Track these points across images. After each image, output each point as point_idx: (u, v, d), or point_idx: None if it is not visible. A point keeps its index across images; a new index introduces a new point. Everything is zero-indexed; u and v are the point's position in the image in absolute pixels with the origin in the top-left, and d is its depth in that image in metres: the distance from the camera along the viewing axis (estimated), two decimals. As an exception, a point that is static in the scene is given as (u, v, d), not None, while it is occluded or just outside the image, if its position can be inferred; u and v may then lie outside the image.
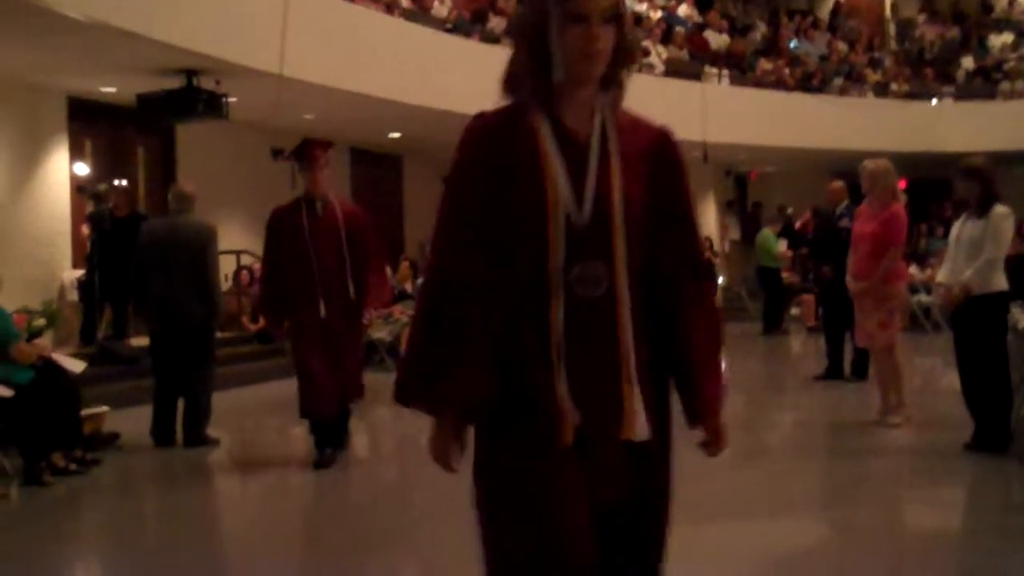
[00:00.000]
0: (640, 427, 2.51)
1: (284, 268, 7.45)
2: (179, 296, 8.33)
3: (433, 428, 2.56)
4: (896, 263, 8.64)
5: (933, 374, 10.00)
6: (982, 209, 7.33)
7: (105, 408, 8.52)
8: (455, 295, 2.49)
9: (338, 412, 7.62)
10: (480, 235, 2.49)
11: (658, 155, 2.65)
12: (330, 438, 7.56)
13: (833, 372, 11.17)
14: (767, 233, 17.34)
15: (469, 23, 16.32)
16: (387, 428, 9.93)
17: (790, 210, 17.86)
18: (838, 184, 11.46)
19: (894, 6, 25.80)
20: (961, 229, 7.50)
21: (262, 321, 11.43)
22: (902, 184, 9.62)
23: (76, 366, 7.84)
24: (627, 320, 2.49)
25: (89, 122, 13.19)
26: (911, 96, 21.53)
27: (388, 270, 13.82)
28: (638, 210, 2.53)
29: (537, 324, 2.45)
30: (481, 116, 2.64)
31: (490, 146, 2.54)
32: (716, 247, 20.87)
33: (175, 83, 11.79)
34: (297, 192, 7.67)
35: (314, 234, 7.39)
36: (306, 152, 7.54)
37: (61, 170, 12.69)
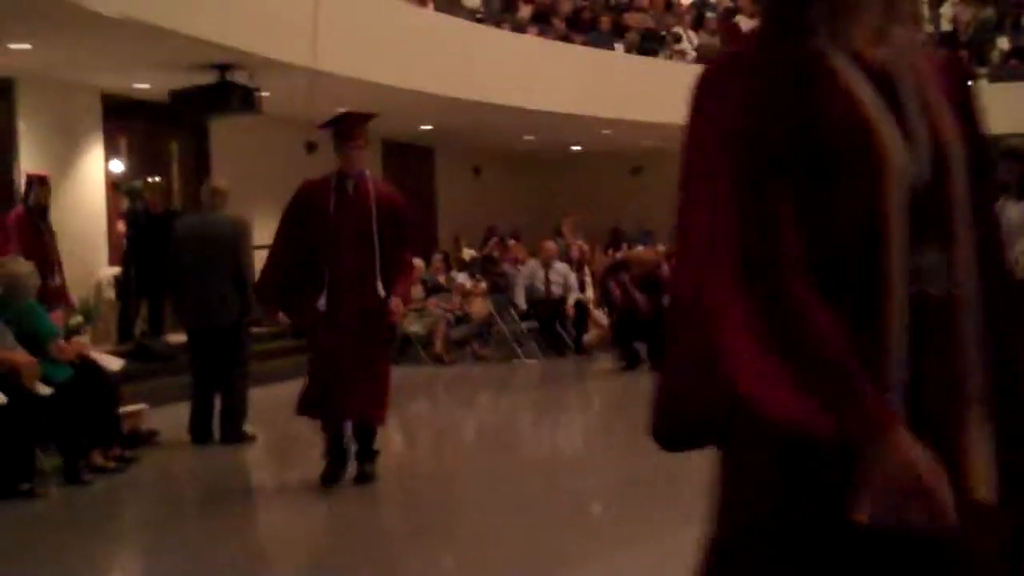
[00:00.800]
0: (991, 482, 1.75)
1: (300, 250, 6.61)
2: (215, 292, 8.33)
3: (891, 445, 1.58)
4: None
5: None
6: (1021, 190, 7.23)
7: (143, 406, 8.55)
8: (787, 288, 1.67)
9: (345, 419, 6.69)
10: (779, 207, 1.71)
11: (959, 90, 1.94)
12: (342, 451, 6.70)
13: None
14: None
15: (499, 12, 16.29)
16: (423, 423, 9.93)
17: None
18: None
19: (928, -12, 25.54)
20: (1001, 212, 7.40)
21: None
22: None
23: (114, 364, 7.87)
24: (972, 330, 1.78)
25: (123, 119, 13.24)
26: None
27: (419, 263, 13.86)
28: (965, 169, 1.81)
29: (862, 337, 1.68)
30: (732, 58, 1.92)
31: (774, 94, 1.75)
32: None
33: (208, 78, 11.81)
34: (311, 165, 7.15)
35: (340, 214, 6.52)
36: (345, 125, 6.83)
37: (96, 167, 12.74)
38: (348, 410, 6.58)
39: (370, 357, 6.59)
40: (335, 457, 6.63)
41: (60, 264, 9.51)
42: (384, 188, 6.99)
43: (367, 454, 6.71)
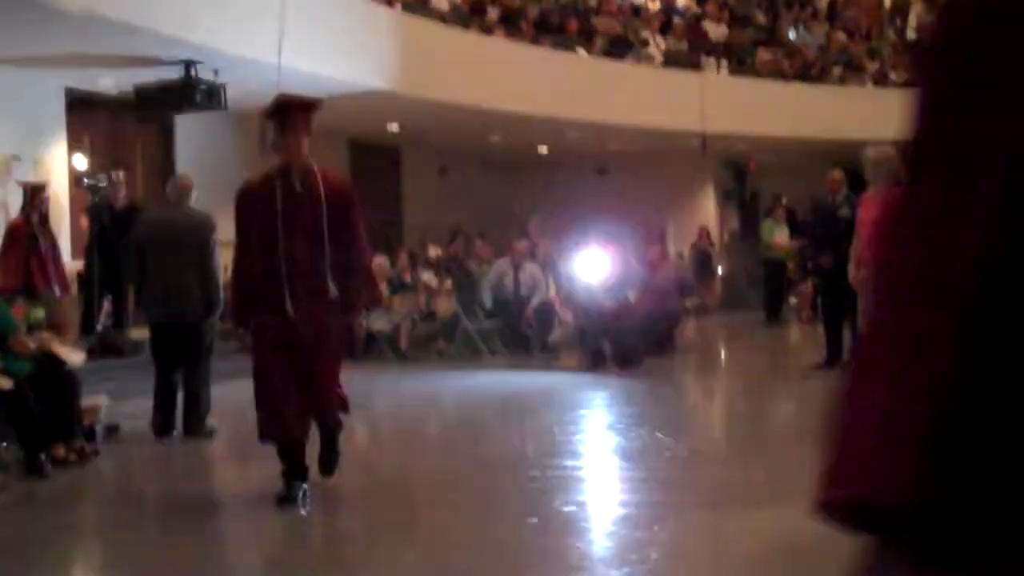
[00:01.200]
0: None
1: (251, 256, 6.14)
2: (179, 288, 8.31)
3: None
4: None
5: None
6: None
7: (104, 399, 8.51)
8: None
9: (306, 434, 6.22)
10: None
11: None
12: (301, 468, 6.17)
13: (832, 362, 11.16)
14: (769, 224, 17.35)
15: (467, 14, 16.31)
16: (387, 421, 9.94)
17: (784, 200, 17.86)
18: (837, 174, 11.42)
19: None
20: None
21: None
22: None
23: (76, 358, 7.84)
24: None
25: (87, 115, 13.18)
26: (910, 85, 21.44)
27: (384, 261, 13.85)
28: None
29: None
30: None
31: None
32: (715, 238, 20.87)
33: (173, 74, 11.77)
34: (268, 164, 6.31)
35: (287, 214, 5.96)
36: (284, 110, 6.10)
37: (60, 162, 12.67)
38: (310, 420, 6.21)
39: (326, 349, 6.15)
40: (294, 477, 6.09)
41: (62, 275, 9.26)
42: (334, 180, 6.29)
43: (329, 460, 6.41)
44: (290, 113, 6.05)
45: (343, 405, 6.36)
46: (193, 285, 8.32)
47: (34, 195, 9.01)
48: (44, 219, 9.19)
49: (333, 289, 6.04)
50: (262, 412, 6.05)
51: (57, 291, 8.92)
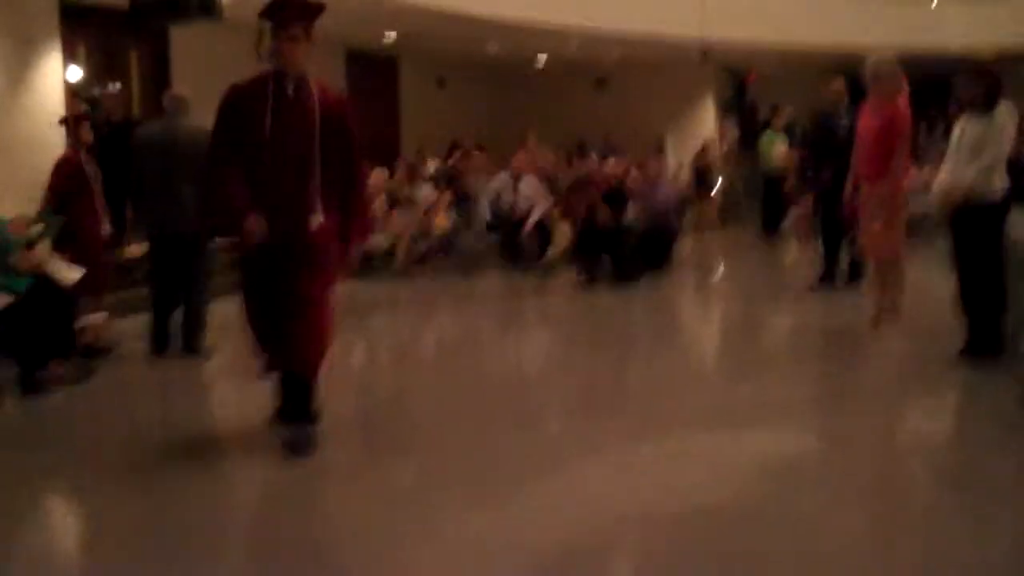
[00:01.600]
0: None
1: (232, 162, 5.58)
2: (176, 200, 8.27)
3: None
4: (903, 159, 8.55)
5: (927, 281, 10.00)
6: (986, 107, 7.25)
7: (104, 314, 8.53)
8: None
9: (308, 366, 5.70)
10: None
11: None
12: (307, 404, 5.77)
13: (828, 279, 11.15)
14: (769, 135, 17.21)
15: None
16: (382, 338, 9.97)
17: (790, 109, 17.69)
18: (837, 84, 11.24)
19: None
20: (964, 128, 7.42)
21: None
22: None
23: (73, 274, 7.81)
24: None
25: (82, 26, 13.01)
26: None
27: (381, 174, 13.77)
28: None
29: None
30: None
31: None
32: (715, 149, 20.76)
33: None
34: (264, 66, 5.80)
35: (278, 123, 5.56)
36: (281, 12, 5.63)
37: (54, 75, 12.54)
38: (286, 357, 5.68)
39: (306, 297, 5.56)
40: (299, 416, 5.76)
41: (104, 211, 9.02)
42: (331, 93, 5.77)
43: (302, 413, 5.74)
44: (288, 15, 5.57)
45: (308, 364, 5.64)
46: (190, 199, 8.26)
47: (77, 125, 8.78)
48: (90, 150, 8.91)
49: (319, 217, 5.59)
50: (256, 344, 5.77)
51: (107, 228, 8.73)
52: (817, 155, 11.26)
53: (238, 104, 5.63)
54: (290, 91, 5.62)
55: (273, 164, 5.55)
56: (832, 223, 10.67)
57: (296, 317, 5.55)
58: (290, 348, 5.61)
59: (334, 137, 5.66)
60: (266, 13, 5.63)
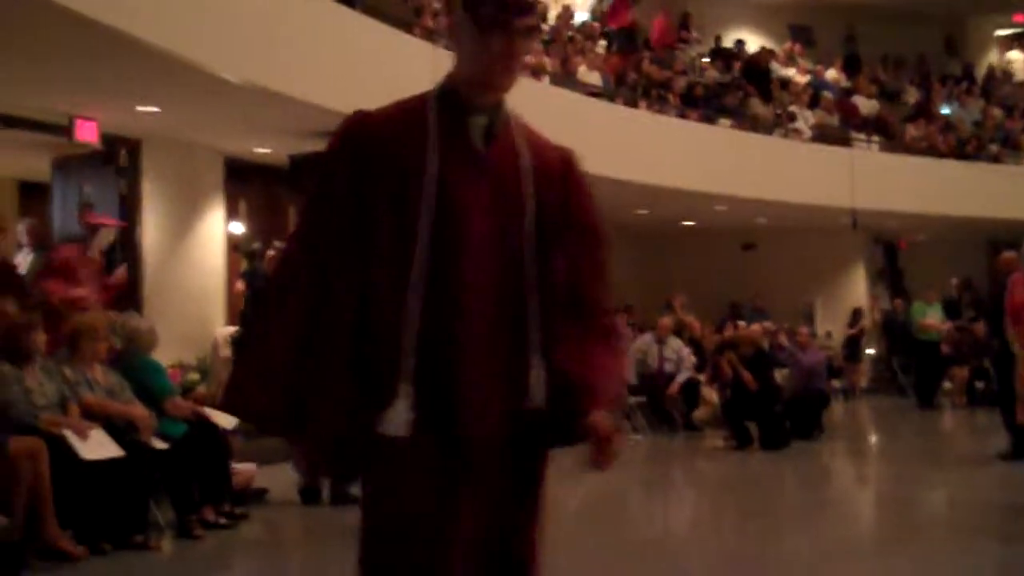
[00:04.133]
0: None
1: (340, 293, 2.70)
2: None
3: None
4: None
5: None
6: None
7: (253, 466, 8.60)
8: None
9: None
10: None
11: None
12: None
13: (1019, 449, 10.64)
14: (920, 305, 16.91)
15: (614, 87, 16.35)
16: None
17: (955, 280, 17.37)
18: (1009, 255, 11.22)
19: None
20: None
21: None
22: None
23: (228, 421, 7.92)
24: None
25: (244, 181, 13.51)
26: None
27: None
28: None
29: None
30: None
31: None
32: (866, 317, 20.37)
33: (326, 144, 11.99)
34: None
35: (455, 196, 2.54)
36: None
37: (217, 228, 12.99)
38: None
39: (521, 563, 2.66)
40: None
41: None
42: (546, 141, 2.88)
43: None
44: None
45: None
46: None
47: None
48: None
49: (541, 375, 2.61)
50: None
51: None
52: (992, 324, 11.29)
53: (365, 153, 2.62)
54: (475, 133, 2.63)
55: (456, 278, 2.56)
56: (1008, 391, 10.31)
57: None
58: None
59: (563, 229, 2.71)
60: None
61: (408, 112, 2.69)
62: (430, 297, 2.51)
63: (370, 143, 2.63)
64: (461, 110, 2.64)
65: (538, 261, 2.64)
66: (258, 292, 11.06)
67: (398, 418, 2.47)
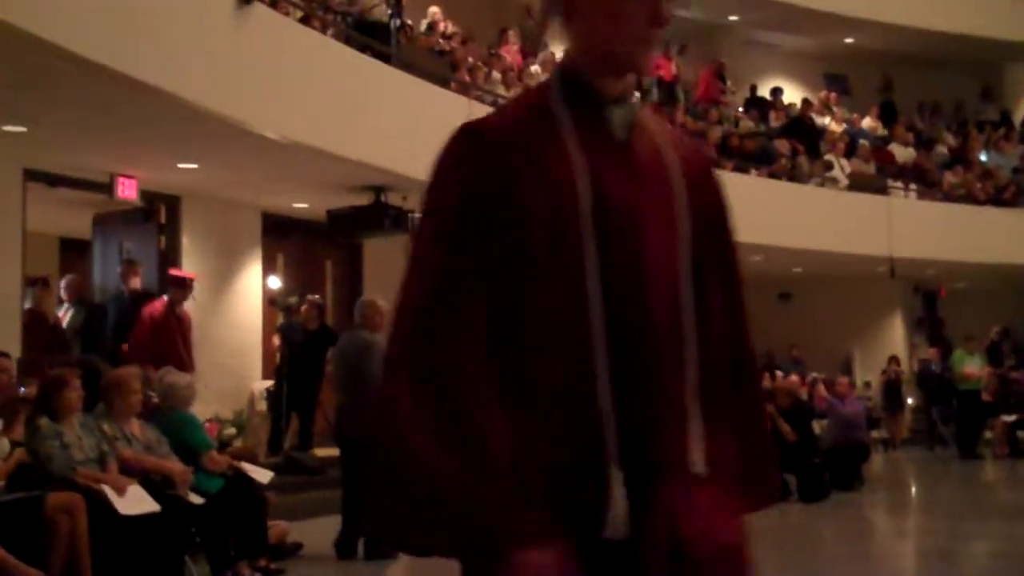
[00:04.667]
0: None
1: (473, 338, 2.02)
2: (366, 407, 8.36)
3: None
4: None
5: None
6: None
7: (285, 523, 8.59)
8: None
9: None
10: None
11: None
12: None
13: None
14: (960, 354, 16.75)
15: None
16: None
17: (997, 329, 17.20)
18: None
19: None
20: None
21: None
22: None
23: (264, 476, 7.96)
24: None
25: (281, 236, 13.65)
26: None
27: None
28: None
29: None
30: None
31: None
32: (904, 366, 20.20)
33: (363, 199, 12.12)
34: None
35: (616, 210, 1.90)
36: None
37: (255, 283, 13.11)
38: None
39: None
40: None
41: (192, 366, 9.62)
42: (682, 136, 2.20)
43: None
44: None
45: None
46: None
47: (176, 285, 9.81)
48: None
49: (702, 449, 1.90)
50: None
51: None
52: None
53: (493, 171, 1.94)
54: (618, 126, 2.00)
55: (624, 331, 1.86)
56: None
57: None
58: None
59: (715, 254, 2.07)
60: None
61: (530, 108, 2.01)
62: (613, 341, 1.83)
63: (494, 154, 1.94)
64: (594, 98, 1.99)
65: (696, 296, 1.96)
66: (294, 348, 11.12)
67: (619, 513, 1.79)
